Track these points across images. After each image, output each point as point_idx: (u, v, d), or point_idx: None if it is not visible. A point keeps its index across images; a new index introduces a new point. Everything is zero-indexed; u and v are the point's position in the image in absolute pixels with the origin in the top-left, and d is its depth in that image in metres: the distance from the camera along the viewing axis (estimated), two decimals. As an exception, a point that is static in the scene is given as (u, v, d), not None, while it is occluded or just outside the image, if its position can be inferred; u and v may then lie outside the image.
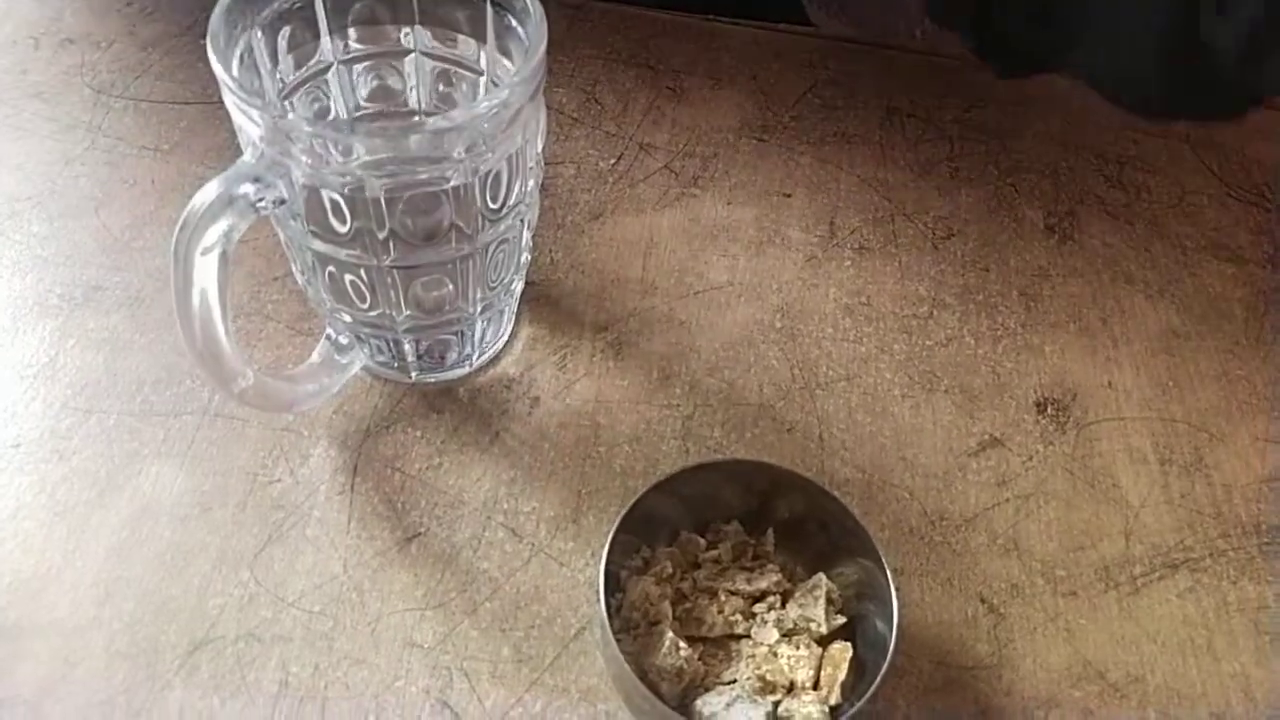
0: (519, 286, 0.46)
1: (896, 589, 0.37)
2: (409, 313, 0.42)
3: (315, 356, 0.44)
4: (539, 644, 0.40)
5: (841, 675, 0.37)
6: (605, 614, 0.36)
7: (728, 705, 0.36)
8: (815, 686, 0.37)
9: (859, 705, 0.35)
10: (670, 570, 0.40)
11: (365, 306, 0.41)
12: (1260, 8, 0.51)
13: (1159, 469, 0.48)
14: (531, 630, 0.40)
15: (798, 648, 0.38)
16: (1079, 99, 0.64)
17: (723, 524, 0.42)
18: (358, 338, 0.44)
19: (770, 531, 0.42)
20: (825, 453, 0.46)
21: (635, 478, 0.45)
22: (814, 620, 0.38)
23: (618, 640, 0.37)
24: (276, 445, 0.44)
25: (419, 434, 0.45)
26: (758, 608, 0.40)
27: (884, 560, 0.37)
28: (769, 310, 0.52)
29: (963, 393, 0.49)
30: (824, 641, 0.39)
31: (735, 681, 0.37)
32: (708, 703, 0.37)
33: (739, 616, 0.39)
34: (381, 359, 0.46)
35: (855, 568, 0.39)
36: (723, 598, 0.40)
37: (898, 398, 0.49)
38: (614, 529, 0.38)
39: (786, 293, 0.52)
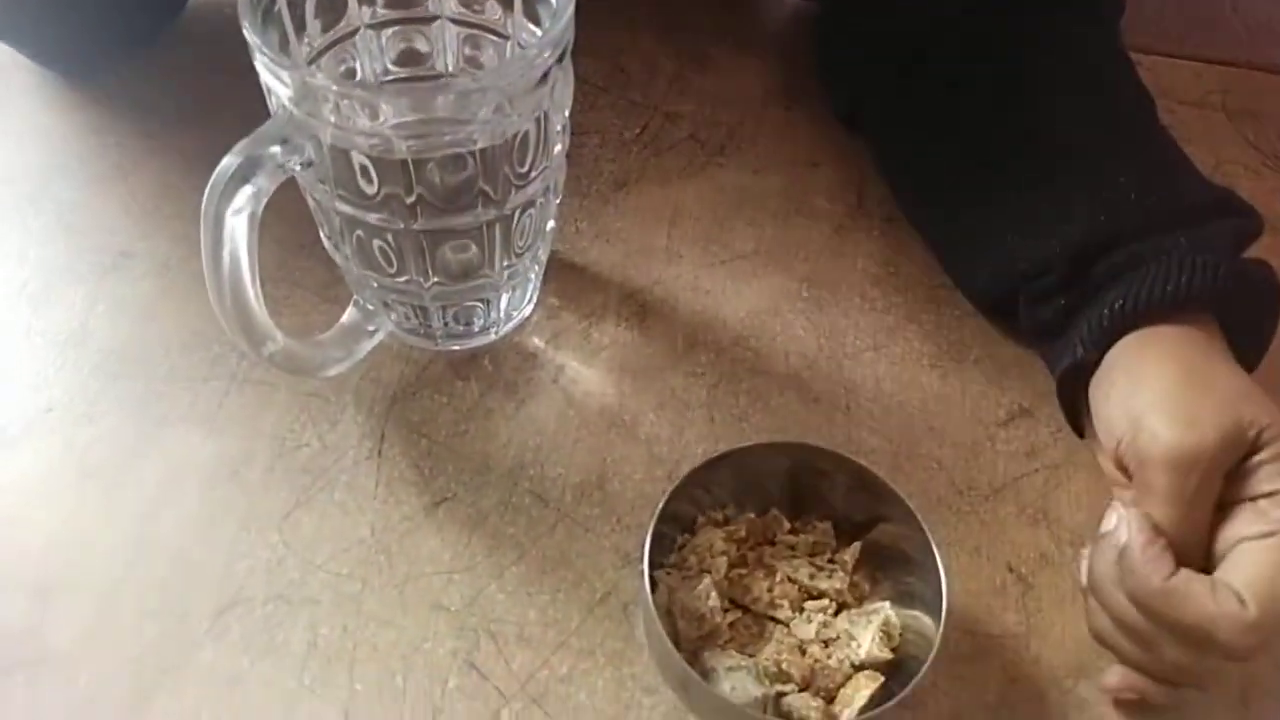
0: (545, 254, 0.46)
1: (935, 655, 0.35)
2: (436, 279, 0.42)
3: (343, 322, 0.44)
4: (565, 608, 0.40)
5: (860, 702, 0.36)
6: (653, 529, 0.36)
7: (729, 669, 0.36)
8: (830, 701, 0.37)
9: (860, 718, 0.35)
10: (744, 534, 0.40)
11: (393, 272, 0.41)
12: None
13: (1191, 440, 0.47)
14: (558, 594, 0.40)
15: (829, 657, 0.37)
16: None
17: (817, 520, 0.41)
18: (385, 304, 0.44)
19: (857, 545, 0.40)
20: (852, 423, 0.46)
21: (660, 445, 0.45)
22: (857, 641, 0.38)
23: (663, 567, 0.38)
24: (304, 410, 0.45)
25: (445, 400, 0.45)
26: (810, 605, 0.39)
27: (943, 627, 0.35)
28: (795, 279, 0.51)
29: (992, 362, 0.49)
30: (861, 666, 0.38)
31: (753, 658, 0.37)
32: (714, 658, 0.37)
33: (786, 603, 0.39)
34: (408, 326, 0.46)
35: (920, 624, 0.38)
36: (778, 578, 0.39)
37: (926, 367, 0.48)
38: (710, 459, 0.38)
39: (813, 262, 0.52)
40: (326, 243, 0.43)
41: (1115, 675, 0.38)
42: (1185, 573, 0.35)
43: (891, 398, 0.47)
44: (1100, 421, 0.41)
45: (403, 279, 0.42)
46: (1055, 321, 0.45)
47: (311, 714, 0.37)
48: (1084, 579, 0.39)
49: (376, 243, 0.40)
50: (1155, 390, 0.39)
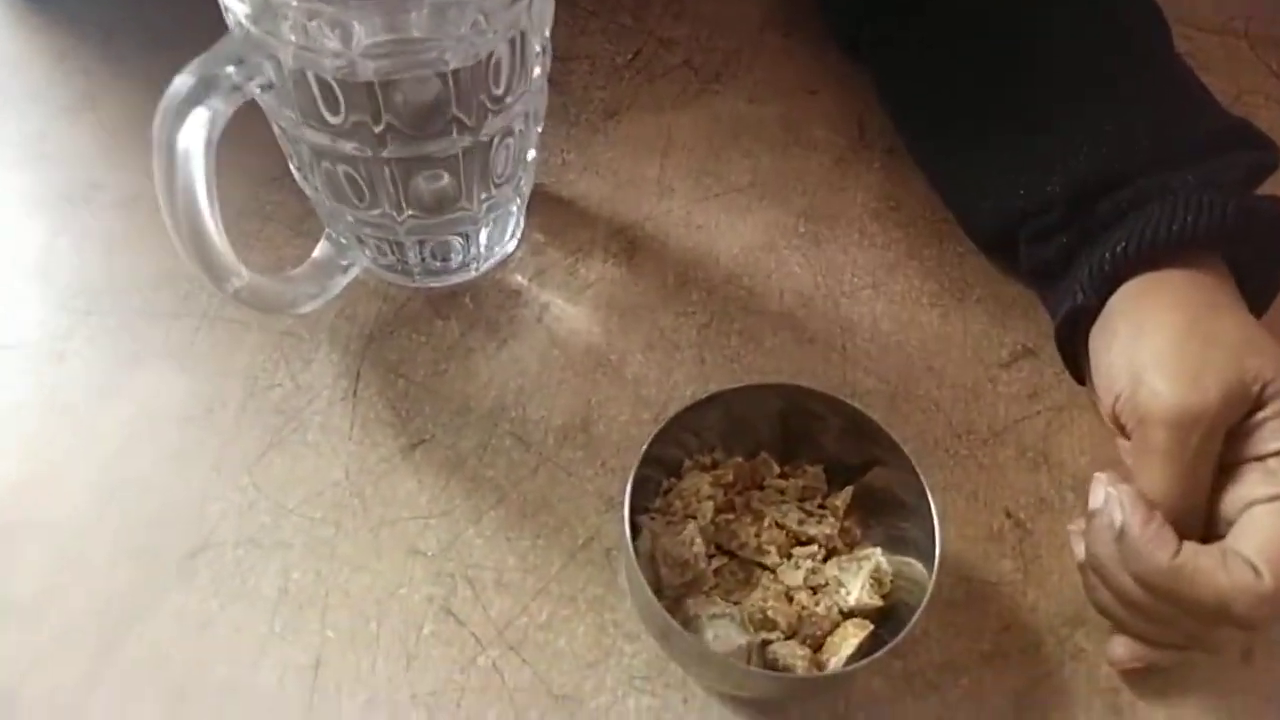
0: (527, 186, 0.44)
1: (927, 602, 0.33)
2: (410, 212, 0.40)
3: (315, 257, 0.42)
4: (546, 553, 0.39)
5: (848, 651, 0.35)
6: (636, 472, 0.35)
7: (713, 617, 0.35)
8: (818, 650, 0.36)
9: (845, 669, 0.34)
10: (732, 479, 0.39)
11: (365, 205, 0.39)
12: None
13: (1201, 382, 0.45)
14: (538, 539, 0.39)
15: (817, 604, 0.36)
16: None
17: (808, 463, 0.40)
18: (359, 239, 0.42)
19: (849, 490, 0.39)
20: (848, 363, 0.44)
21: (648, 386, 0.43)
22: (846, 588, 0.36)
23: (647, 512, 0.37)
24: (277, 349, 0.43)
25: (424, 339, 0.44)
26: (798, 551, 0.38)
27: (936, 574, 0.34)
28: (792, 214, 0.49)
29: (996, 301, 0.47)
30: (850, 613, 0.36)
31: (738, 605, 0.36)
32: (698, 605, 0.36)
33: (774, 550, 0.38)
34: (385, 261, 0.44)
35: (912, 570, 0.36)
36: (766, 523, 0.38)
37: (926, 306, 0.46)
38: (699, 401, 0.36)
39: (811, 196, 0.50)
40: (296, 174, 0.41)
41: (1121, 648, 0.37)
42: (1191, 547, 0.33)
43: (889, 337, 0.45)
44: (1099, 373, 0.39)
45: (375, 212, 0.40)
46: (1056, 263, 0.43)
47: (283, 660, 0.36)
48: (1080, 555, 0.37)
49: (345, 172, 0.38)
50: (1157, 343, 0.37)
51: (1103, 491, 0.35)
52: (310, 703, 0.35)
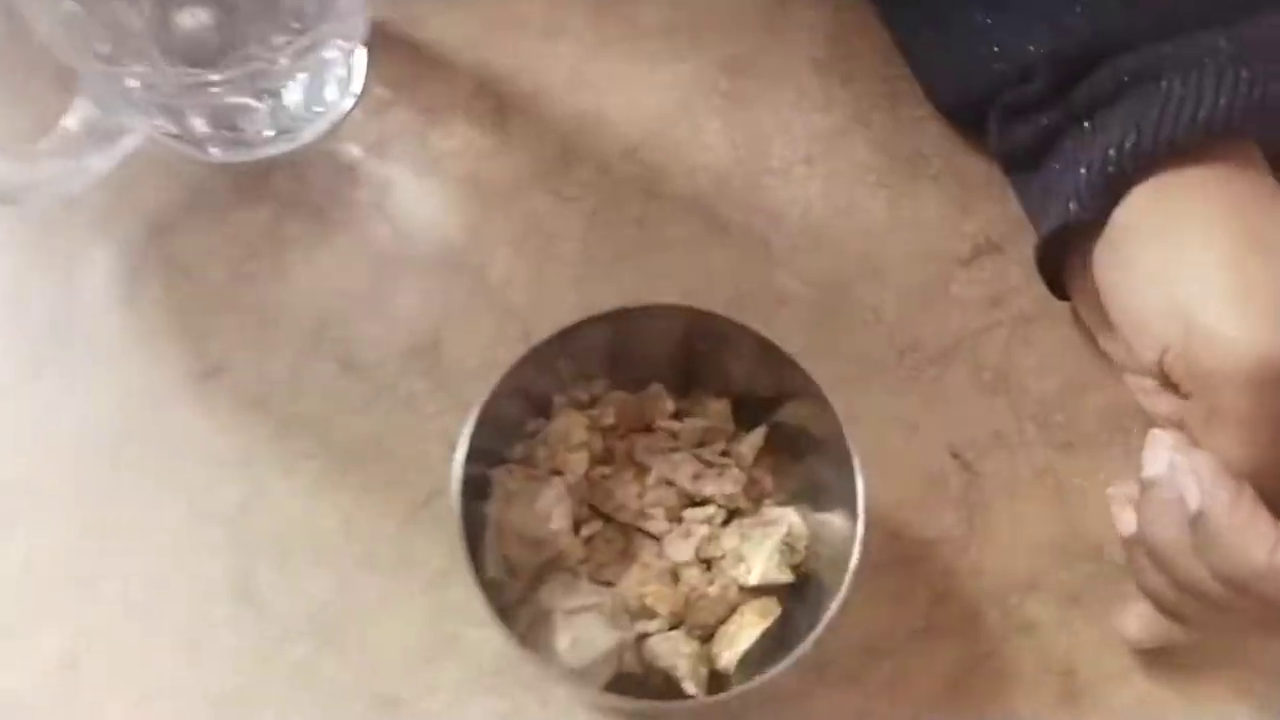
0: (359, 28, 0.35)
1: (849, 584, 0.28)
2: (179, 67, 0.30)
3: (68, 125, 0.33)
4: (376, 514, 0.33)
5: (745, 643, 0.29)
6: (484, 409, 0.28)
7: (571, 612, 0.29)
8: (707, 639, 0.30)
9: (739, 689, 0.28)
10: (612, 421, 0.32)
11: (114, 55, 0.30)
12: None
13: (1198, 287, 0.38)
14: (367, 496, 0.33)
15: (710, 584, 0.30)
16: None
17: (713, 399, 0.33)
18: (124, 102, 0.32)
19: (759, 433, 0.32)
20: (771, 261, 0.37)
21: (516, 292, 0.36)
22: (747, 562, 0.30)
23: (504, 463, 0.31)
24: (30, 242, 0.35)
25: (225, 231, 0.36)
26: (691, 513, 0.32)
27: (860, 543, 0.28)
28: (713, 66, 0.41)
29: (957, 179, 0.39)
30: (752, 591, 0.30)
31: (611, 586, 0.30)
32: (555, 594, 0.29)
33: (660, 512, 0.31)
34: (168, 130, 0.35)
35: (830, 530, 0.31)
36: (651, 480, 0.32)
37: (871, 185, 0.39)
38: (581, 321, 0.29)
39: (739, 42, 0.41)
40: (27, 17, 0.31)
41: (1138, 624, 0.31)
42: None
43: (824, 228, 0.38)
44: (1122, 313, 0.31)
45: (139, 68, 0.30)
46: (1033, 147, 0.34)
47: (30, 657, 0.30)
48: (1125, 530, 0.30)
49: (77, 9, 0.28)
50: (1206, 265, 0.29)
51: (1166, 458, 0.27)
52: (69, 710, 0.30)
